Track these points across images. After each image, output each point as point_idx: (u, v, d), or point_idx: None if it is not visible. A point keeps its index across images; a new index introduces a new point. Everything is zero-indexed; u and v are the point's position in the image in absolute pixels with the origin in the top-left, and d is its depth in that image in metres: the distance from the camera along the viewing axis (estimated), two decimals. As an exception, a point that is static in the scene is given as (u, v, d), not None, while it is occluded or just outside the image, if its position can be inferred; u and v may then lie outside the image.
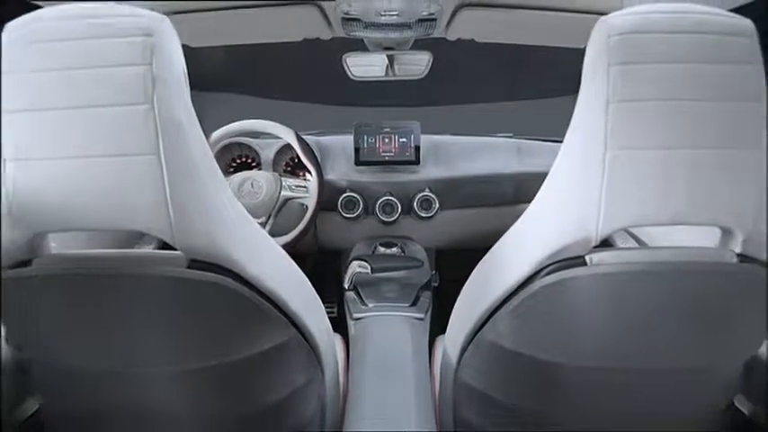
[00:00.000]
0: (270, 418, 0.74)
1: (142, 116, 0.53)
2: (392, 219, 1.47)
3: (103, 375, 0.67)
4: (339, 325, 1.07)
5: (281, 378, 0.72)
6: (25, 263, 0.60)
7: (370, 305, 1.11)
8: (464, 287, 0.81)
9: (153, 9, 1.07)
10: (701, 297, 0.61)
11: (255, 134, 1.51)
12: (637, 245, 1.18)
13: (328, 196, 1.43)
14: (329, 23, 1.17)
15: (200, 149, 0.58)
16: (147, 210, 0.55)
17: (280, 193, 1.36)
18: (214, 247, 0.59)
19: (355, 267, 1.20)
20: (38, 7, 0.87)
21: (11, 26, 0.55)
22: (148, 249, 1.15)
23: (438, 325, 0.97)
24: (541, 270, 0.62)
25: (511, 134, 1.67)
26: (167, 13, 1.07)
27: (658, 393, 0.69)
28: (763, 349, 0.74)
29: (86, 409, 0.72)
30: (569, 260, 0.61)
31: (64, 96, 0.53)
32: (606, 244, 0.64)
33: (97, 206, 0.55)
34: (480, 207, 1.53)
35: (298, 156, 1.42)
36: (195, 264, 0.59)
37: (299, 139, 1.39)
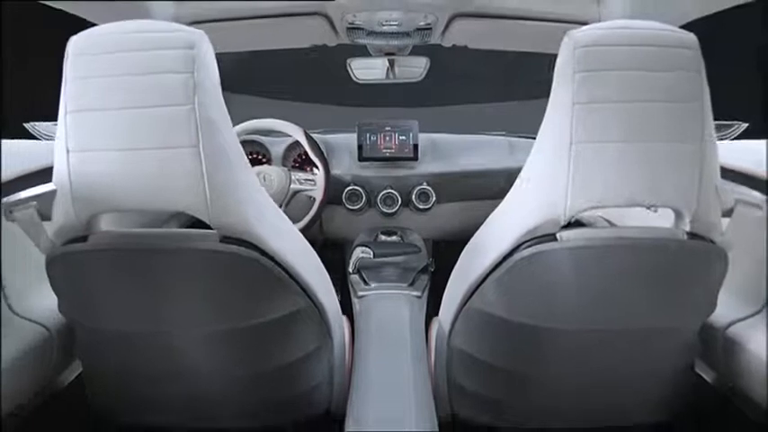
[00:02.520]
0: (285, 377, 0.83)
1: (185, 115, 0.63)
2: (393, 210, 1.55)
3: (143, 337, 0.76)
4: (342, 310, 1.15)
5: (296, 342, 0.81)
6: (80, 239, 0.69)
7: (373, 285, 1.20)
8: (456, 266, 0.90)
9: (178, 17, 1.16)
10: (654, 268, 0.70)
11: (265, 132, 1.59)
12: None
13: (333, 190, 1.51)
14: (335, 32, 1.26)
15: (232, 143, 0.67)
16: (188, 193, 0.64)
17: (289, 186, 1.44)
18: (243, 225, 0.68)
19: (359, 253, 1.28)
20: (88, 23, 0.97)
21: (76, 39, 0.64)
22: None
23: (434, 310, 1.06)
24: (519, 246, 0.72)
25: (504, 132, 1.74)
26: (191, 23, 1.17)
27: (624, 353, 0.78)
28: (717, 318, 0.83)
29: (125, 369, 0.81)
30: (542, 237, 0.70)
31: (119, 98, 0.63)
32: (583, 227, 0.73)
33: (146, 190, 0.65)
34: (474, 200, 1.60)
35: (306, 152, 1.50)
36: (226, 240, 0.68)
37: (308, 137, 1.48)
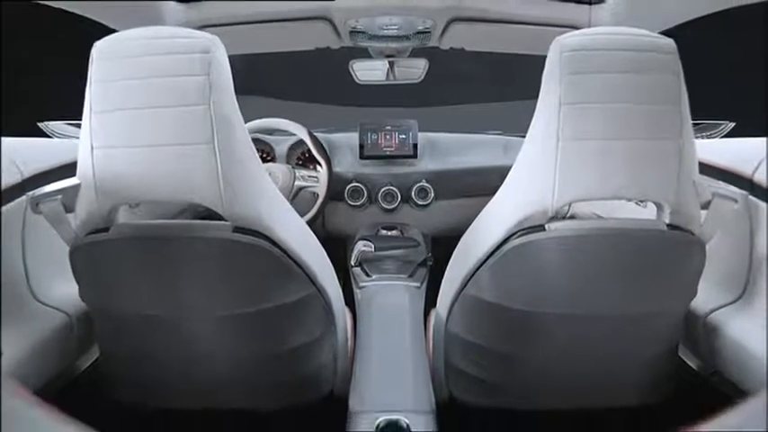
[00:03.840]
0: (292, 360, 0.87)
1: (201, 115, 0.67)
2: (393, 206, 1.60)
3: (159, 322, 0.79)
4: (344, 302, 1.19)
5: (302, 327, 0.85)
6: (102, 230, 0.73)
7: (374, 276, 1.24)
8: (452, 256, 0.94)
9: (189, 21, 1.21)
10: (636, 256, 0.74)
11: (269, 131, 1.64)
12: None
13: (336, 186, 1.56)
14: (339, 35, 1.30)
15: (244, 140, 0.72)
16: (203, 186, 0.68)
17: (294, 182, 1.48)
18: (255, 216, 0.72)
19: (361, 246, 1.33)
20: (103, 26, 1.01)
21: (100, 45, 0.68)
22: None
23: (433, 303, 1.09)
24: (511, 236, 0.76)
25: (500, 132, 1.77)
26: (200, 27, 1.22)
27: (610, 336, 0.82)
28: (699, 305, 0.87)
29: (141, 353, 0.84)
30: (532, 228, 0.75)
31: (141, 99, 0.67)
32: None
33: (164, 183, 0.69)
34: (471, 197, 1.63)
35: (309, 150, 1.54)
36: (238, 230, 0.72)
37: (311, 136, 1.52)
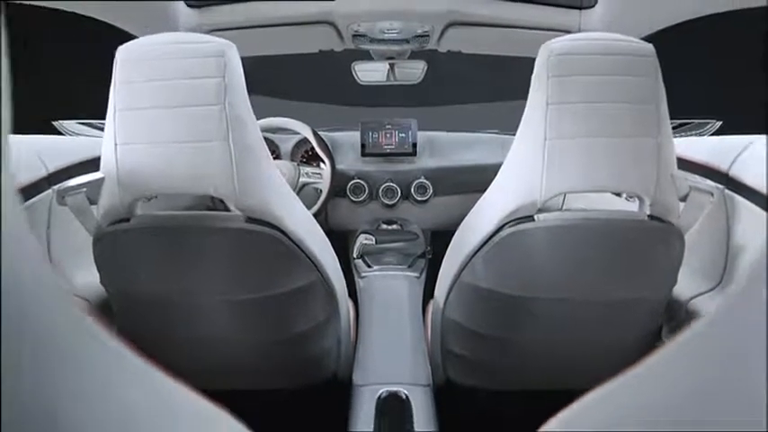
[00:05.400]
0: (297, 345, 0.91)
1: (217, 114, 0.71)
2: (393, 202, 1.64)
3: (174, 306, 0.84)
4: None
5: (308, 313, 0.90)
6: (123, 221, 0.78)
7: (375, 267, 1.29)
8: (449, 247, 0.99)
9: (199, 25, 1.25)
10: (618, 245, 0.79)
11: (275, 130, 1.68)
12: None
13: (338, 183, 1.60)
14: (341, 38, 1.35)
15: (256, 137, 0.76)
16: (218, 179, 0.73)
17: (298, 179, 1.53)
18: (265, 207, 0.77)
19: (362, 239, 1.38)
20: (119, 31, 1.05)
21: (123, 49, 0.73)
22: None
23: (432, 296, 1.12)
24: (503, 226, 0.81)
25: (496, 130, 1.82)
26: (211, 30, 1.26)
27: (595, 320, 0.86)
28: (681, 292, 0.91)
29: (156, 336, 0.88)
30: (522, 218, 0.79)
31: (161, 99, 0.71)
32: None
33: (182, 177, 0.73)
34: (468, 193, 1.67)
35: (313, 148, 1.59)
36: (250, 220, 0.77)
37: (315, 134, 1.56)
